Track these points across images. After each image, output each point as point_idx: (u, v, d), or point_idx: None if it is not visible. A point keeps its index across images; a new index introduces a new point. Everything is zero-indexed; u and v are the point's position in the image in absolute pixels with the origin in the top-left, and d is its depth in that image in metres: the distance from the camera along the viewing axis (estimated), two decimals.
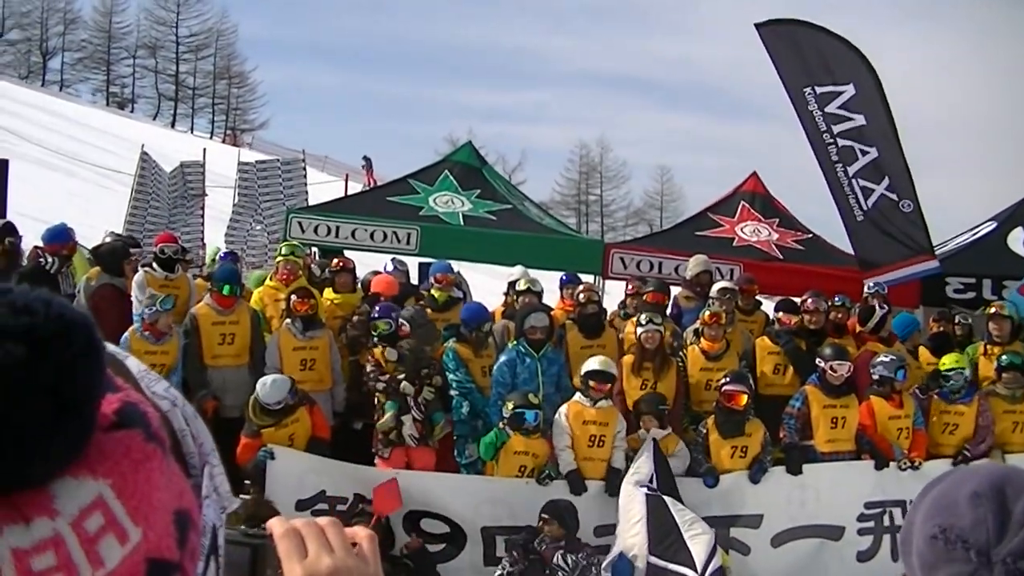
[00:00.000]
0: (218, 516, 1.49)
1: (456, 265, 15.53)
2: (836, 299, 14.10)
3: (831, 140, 15.93)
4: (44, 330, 1.21)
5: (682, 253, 16.16)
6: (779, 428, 12.03)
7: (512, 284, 14.38)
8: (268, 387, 11.28)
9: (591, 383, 11.53)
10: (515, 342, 12.42)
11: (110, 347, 1.43)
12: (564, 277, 15.35)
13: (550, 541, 10.59)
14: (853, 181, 15.86)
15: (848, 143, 15.91)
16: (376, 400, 12.00)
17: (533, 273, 15.11)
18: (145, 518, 1.27)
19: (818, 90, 16.01)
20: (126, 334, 12.34)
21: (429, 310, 13.91)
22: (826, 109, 15.95)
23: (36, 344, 1.20)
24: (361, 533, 1.62)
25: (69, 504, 1.23)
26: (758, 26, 16.49)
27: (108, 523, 1.24)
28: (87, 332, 1.25)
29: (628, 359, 12.51)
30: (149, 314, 12.34)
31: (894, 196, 15.78)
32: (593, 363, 11.71)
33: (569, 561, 10.50)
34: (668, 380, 12.38)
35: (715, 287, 13.93)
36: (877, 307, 13.66)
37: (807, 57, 16.23)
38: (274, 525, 1.56)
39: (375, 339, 12.27)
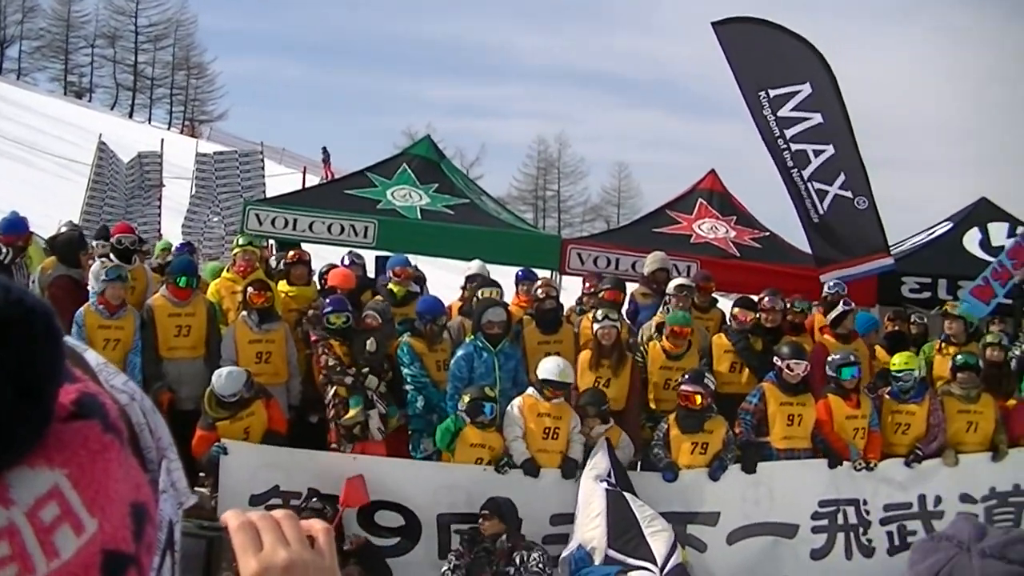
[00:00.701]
0: (175, 511, 1.49)
1: (413, 259, 15.48)
2: (795, 303, 14.15)
3: (785, 145, 16.00)
4: (3, 315, 1.19)
5: (639, 249, 16.16)
6: (735, 424, 12.05)
7: (469, 279, 14.34)
8: (224, 379, 11.23)
9: (546, 390, 11.57)
10: (472, 336, 12.39)
11: (68, 339, 1.40)
12: (520, 273, 15.28)
13: (489, 537, 10.59)
14: (808, 184, 15.93)
15: (801, 146, 15.97)
16: (332, 394, 11.89)
17: (490, 268, 15.11)
18: (101, 509, 1.25)
19: (772, 93, 16.04)
20: (80, 310, 12.26)
21: (390, 305, 13.80)
22: (779, 113, 16.00)
23: None
24: (317, 526, 1.61)
25: (25, 493, 1.20)
26: (715, 24, 16.52)
27: (64, 513, 1.22)
28: (47, 318, 1.23)
29: (585, 355, 12.51)
30: (99, 284, 12.26)
31: (848, 194, 15.83)
32: (551, 370, 11.63)
33: (520, 559, 10.48)
34: (624, 376, 12.43)
35: (672, 284, 13.91)
36: (842, 303, 13.68)
37: (763, 57, 16.29)
38: (229, 518, 1.54)
39: (325, 332, 12.22)
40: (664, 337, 12.90)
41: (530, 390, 11.70)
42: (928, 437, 12.48)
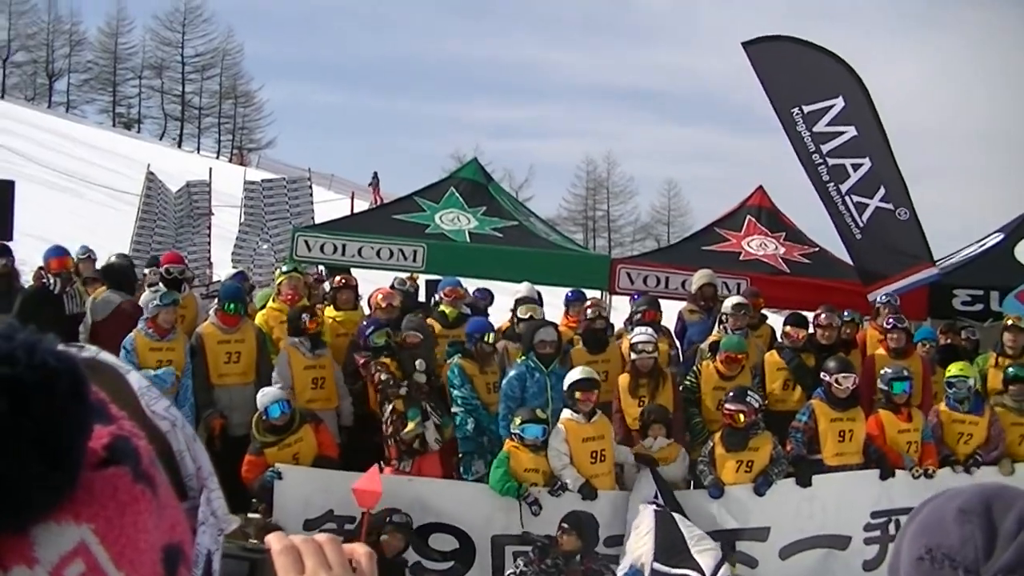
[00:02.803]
0: (214, 541, 1.47)
1: (479, 283, 15.62)
2: (846, 314, 14.16)
3: (820, 160, 15.95)
4: (26, 380, 1.16)
5: (688, 268, 16.16)
6: (786, 442, 12.05)
7: (518, 302, 14.44)
8: (264, 396, 11.46)
9: (577, 394, 11.56)
10: (524, 357, 12.44)
11: (111, 360, 1.42)
12: (570, 294, 15.49)
13: (564, 552, 10.62)
14: (847, 199, 15.86)
15: (839, 161, 15.92)
16: (390, 411, 11.93)
17: (540, 289, 15.19)
18: (130, 563, 1.24)
19: (806, 109, 16.02)
20: (130, 336, 12.40)
21: (439, 326, 13.92)
22: (814, 128, 15.98)
23: (18, 395, 1.15)
24: (360, 551, 1.60)
25: (49, 551, 1.18)
26: (745, 45, 16.53)
27: (89, 569, 1.20)
28: (72, 379, 1.20)
29: (624, 379, 12.57)
30: (151, 309, 12.42)
31: (889, 206, 15.78)
32: (575, 372, 11.79)
33: None
34: (664, 396, 12.43)
35: (728, 302, 13.87)
36: (893, 319, 13.63)
37: (794, 74, 16.27)
38: (272, 540, 1.54)
39: (371, 353, 12.31)
40: (718, 360, 12.91)
41: (566, 413, 11.63)
42: (989, 446, 12.45)
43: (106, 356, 1.44)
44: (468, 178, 19.02)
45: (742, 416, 11.70)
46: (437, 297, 14.78)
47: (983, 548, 1.88)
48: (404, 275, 16.89)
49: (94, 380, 1.27)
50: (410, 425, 11.79)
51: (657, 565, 10.70)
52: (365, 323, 12.70)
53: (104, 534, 1.21)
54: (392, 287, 15.78)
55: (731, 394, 11.94)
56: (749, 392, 12.02)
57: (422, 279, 17.08)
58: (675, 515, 11.06)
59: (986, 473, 12.26)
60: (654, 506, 11.12)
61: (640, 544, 10.94)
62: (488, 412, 12.46)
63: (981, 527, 1.90)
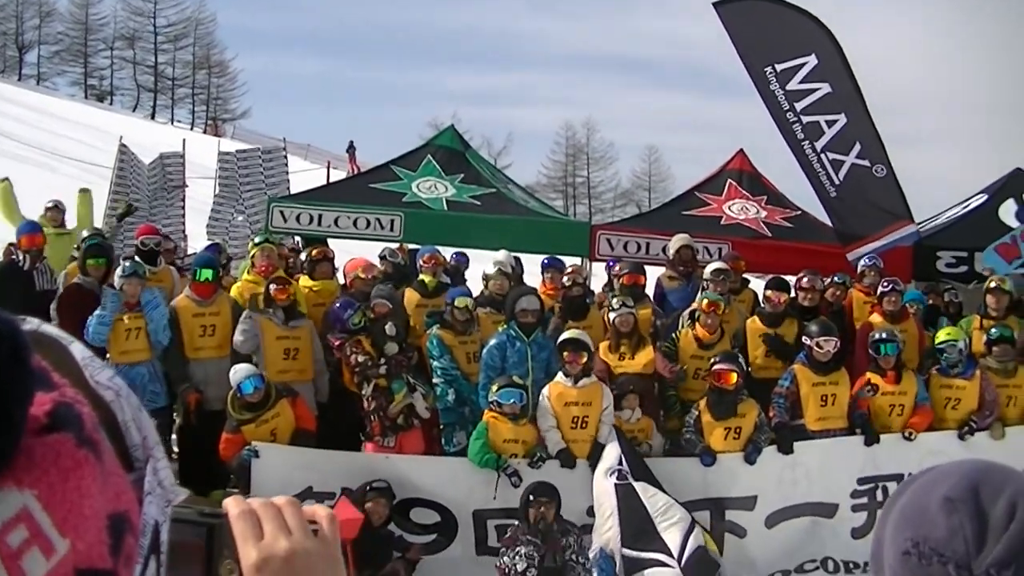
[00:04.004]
0: (161, 512, 1.43)
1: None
2: (836, 277, 14.14)
3: (795, 118, 15.94)
4: None
5: (669, 233, 16.03)
6: (769, 409, 12.02)
7: (487, 276, 14.22)
8: (236, 373, 11.40)
9: (565, 353, 11.61)
10: (504, 325, 12.42)
11: (53, 331, 1.39)
12: (545, 260, 15.44)
13: (545, 522, 10.58)
14: (822, 156, 15.85)
15: (813, 118, 15.91)
16: (371, 389, 11.81)
17: (520, 256, 15.18)
18: (74, 528, 1.21)
19: (779, 67, 15.99)
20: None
21: (418, 296, 13.92)
22: (787, 87, 15.95)
23: None
24: (321, 512, 1.56)
25: None
26: (716, 5, 16.48)
27: (33, 535, 1.18)
28: (13, 344, 1.18)
29: (603, 344, 12.55)
30: (116, 281, 12.45)
31: (865, 162, 15.77)
32: (566, 333, 11.89)
33: (578, 543, 10.66)
34: (641, 360, 12.39)
35: (708, 268, 13.84)
36: (883, 281, 13.62)
37: (766, 33, 16.25)
38: (229, 504, 1.51)
39: (345, 334, 12.16)
40: (696, 322, 12.87)
41: (558, 376, 11.71)
42: (983, 412, 12.41)
43: (49, 328, 1.40)
44: (445, 146, 18.93)
45: (734, 376, 11.65)
46: (418, 265, 14.73)
47: (973, 540, 1.77)
48: (394, 245, 16.76)
49: (37, 350, 1.24)
50: (397, 397, 11.75)
51: (626, 551, 10.71)
52: (339, 304, 12.49)
53: (47, 500, 1.19)
54: (382, 257, 15.74)
55: (720, 356, 11.93)
56: (739, 356, 12.05)
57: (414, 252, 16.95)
58: (637, 485, 11.00)
59: (980, 439, 12.25)
60: (615, 478, 11.04)
61: (606, 527, 10.95)
62: (469, 382, 12.46)
63: (969, 516, 1.79)
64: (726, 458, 11.69)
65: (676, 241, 15.00)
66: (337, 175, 30.53)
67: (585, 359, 11.63)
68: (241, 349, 12.40)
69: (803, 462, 11.86)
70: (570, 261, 15.70)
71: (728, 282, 13.76)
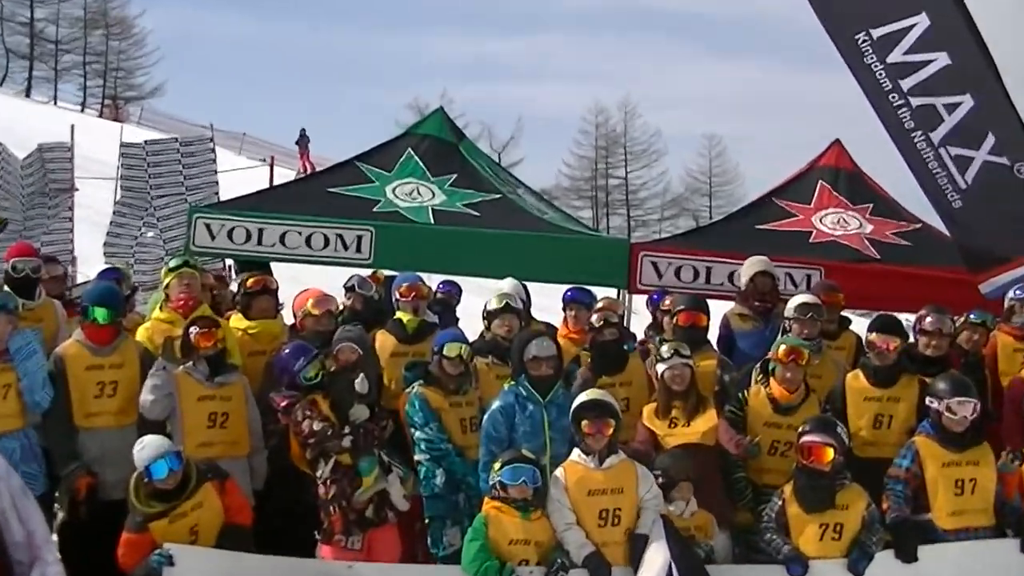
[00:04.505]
0: None
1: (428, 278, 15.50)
2: (972, 316, 14.04)
3: (900, 101, 15.53)
4: None
5: (737, 255, 16.04)
6: (882, 499, 11.80)
7: (490, 314, 13.88)
8: (144, 449, 11.03)
9: (584, 424, 11.17)
10: (512, 382, 12.25)
11: None
12: (568, 293, 15.26)
13: None
14: (941, 152, 15.45)
15: (926, 101, 15.47)
16: (330, 468, 11.74)
17: (530, 287, 15.12)
18: None
19: (875, 34, 15.62)
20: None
21: (393, 340, 13.94)
22: (888, 59, 15.55)
23: None
24: None
25: None
26: None
27: None
28: None
29: (649, 408, 12.49)
30: None
31: (1003, 160, 15.30)
32: (582, 395, 11.48)
33: None
34: (701, 427, 12.30)
35: (792, 303, 13.78)
36: None
37: None
38: None
39: (297, 391, 12.14)
40: (774, 377, 12.74)
41: (575, 455, 11.29)
42: None
43: None
44: (432, 135, 18.99)
45: (830, 452, 11.37)
46: (394, 300, 14.64)
47: None
48: (363, 272, 16.69)
49: None
50: (366, 481, 11.67)
51: None
52: (288, 351, 12.42)
53: None
54: (348, 289, 15.63)
55: (810, 424, 11.61)
56: (838, 425, 11.74)
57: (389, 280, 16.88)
58: None
59: None
60: None
61: None
62: (464, 460, 12.36)
63: None
64: (823, 566, 11.39)
65: (749, 266, 14.98)
66: (284, 175, 30.69)
67: (612, 429, 11.26)
68: (150, 415, 12.28)
69: (932, 574, 11.74)
70: (602, 293, 15.66)
71: (820, 322, 13.72)
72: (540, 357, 12.05)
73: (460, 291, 17.39)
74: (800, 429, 11.68)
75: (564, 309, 15.12)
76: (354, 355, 12.70)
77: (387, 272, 16.77)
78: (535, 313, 15.34)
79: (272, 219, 17.27)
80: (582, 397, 11.44)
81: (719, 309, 15.03)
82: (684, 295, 14.62)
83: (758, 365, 13.11)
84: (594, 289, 15.63)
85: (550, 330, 14.18)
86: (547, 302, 15.45)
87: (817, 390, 12.88)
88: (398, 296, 14.36)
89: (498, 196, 17.99)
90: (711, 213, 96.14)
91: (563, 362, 12.58)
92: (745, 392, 12.90)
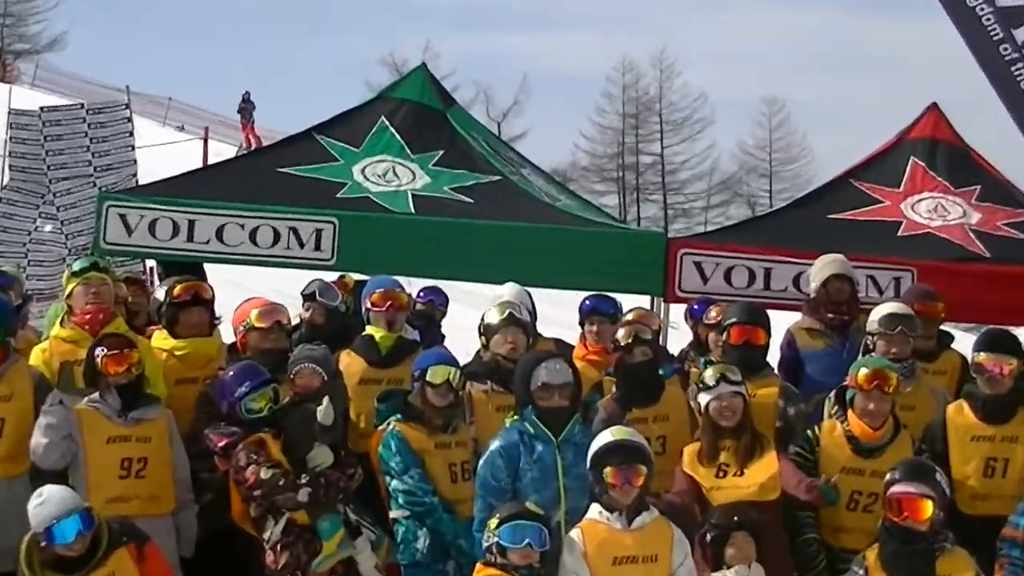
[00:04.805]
0: None
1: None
2: None
3: (1014, 55, 15.59)
4: None
5: (806, 253, 16.01)
6: (995, 569, 11.79)
7: (488, 328, 13.79)
8: (43, 505, 11.01)
9: (608, 473, 10.93)
10: (515, 416, 12.13)
11: None
12: (587, 302, 15.20)
13: None
14: None
15: None
16: (281, 529, 11.71)
17: (535, 293, 15.08)
18: None
19: None
20: None
21: (361, 363, 13.95)
22: (999, 2, 15.64)
23: None
24: None
25: None
26: None
27: None
28: None
29: (691, 449, 12.40)
30: None
31: None
32: (604, 435, 11.16)
33: None
34: (759, 474, 12.20)
35: (876, 314, 13.72)
36: None
37: None
38: None
39: (241, 428, 12.13)
40: (852, 409, 12.66)
41: (595, 511, 11.09)
42: None
43: None
44: (411, 101, 19.00)
45: (928, 506, 11.19)
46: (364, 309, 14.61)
47: None
48: (327, 276, 16.62)
49: None
50: (327, 546, 11.64)
51: None
52: (231, 374, 12.48)
53: None
54: (307, 297, 15.65)
55: (900, 470, 11.39)
56: (937, 471, 11.55)
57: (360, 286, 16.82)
58: None
59: None
60: None
61: None
62: (454, 516, 12.36)
63: None
64: None
65: (821, 267, 14.97)
66: (222, 151, 30.71)
67: (643, 478, 11.08)
68: (44, 462, 12.27)
69: None
70: (630, 302, 15.62)
71: (913, 339, 13.64)
72: (552, 384, 11.83)
73: (447, 300, 17.40)
74: (888, 477, 11.47)
75: (582, 323, 15.07)
76: (316, 380, 12.59)
77: (356, 276, 16.70)
78: (544, 328, 15.28)
79: (206, 208, 17.21)
80: (605, 437, 11.15)
81: (781, 322, 15.00)
82: (736, 304, 14.59)
83: (832, 395, 13.11)
84: (620, 297, 15.59)
85: (564, 350, 14.11)
86: (560, 314, 15.42)
87: (910, 426, 12.78)
88: (369, 306, 14.32)
89: (497, 178, 18.00)
90: (771, 199, 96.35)
91: (581, 391, 12.44)
92: (816, 429, 12.80)
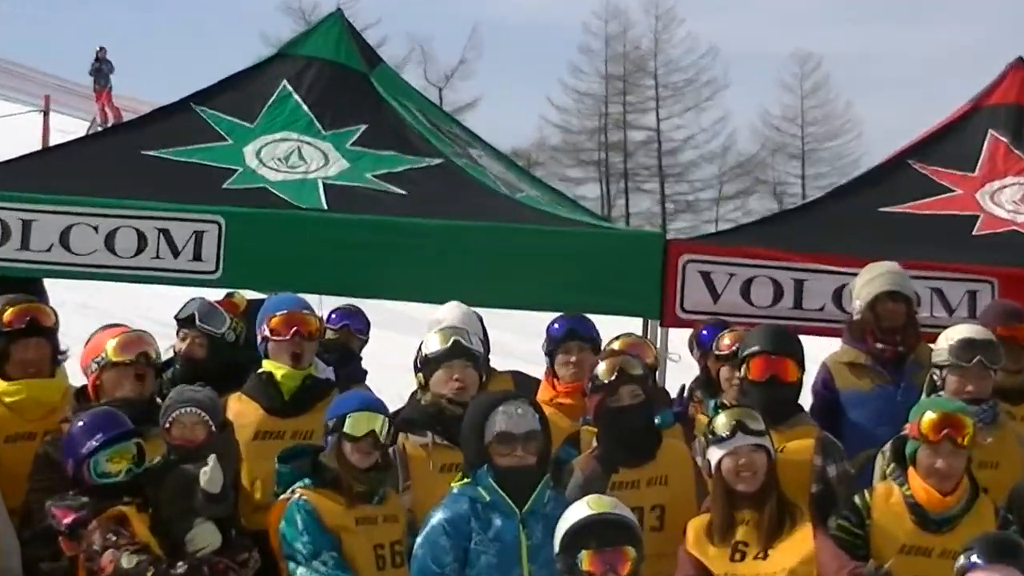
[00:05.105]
0: None
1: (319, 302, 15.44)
2: None
3: None
4: None
5: (849, 259, 15.99)
6: None
7: (427, 360, 13.75)
8: None
9: (584, 556, 10.78)
10: (464, 479, 12.13)
11: None
12: (558, 325, 15.10)
13: None
14: None
15: None
16: None
17: (485, 315, 15.03)
18: None
19: None
20: None
21: (258, 410, 13.95)
22: None
23: None
24: None
25: None
26: None
27: None
28: None
29: (698, 523, 12.31)
30: None
31: None
32: (579, 508, 11.08)
33: None
34: (786, 557, 12.14)
35: (945, 341, 13.67)
36: None
37: None
38: None
39: (98, 500, 12.04)
40: (915, 467, 12.65)
41: None
42: None
43: None
44: (323, 59, 18.96)
45: None
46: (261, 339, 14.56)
47: None
48: (213, 295, 16.54)
49: None
50: None
51: None
52: (79, 425, 12.41)
53: None
54: (183, 323, 15.60)
55: (978, 546, 11.11)
56: (1022, 543, 11.40)
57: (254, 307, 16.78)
58: None
59: None
60: None
61: None
62: None
63: None
64: None
65: (869, 280, 14.91)
66: (68, 127, 30.74)
67: (630, 565, 11.09)
68: None
69: None
70: (617, 326, 15.58)
71: (995, 372, 13.60)
72: (513, 435, 11.77)
73: (368, 325, 17.35)
74: (962, 560, 11.23)
75: (551, 353, 14.96)
76: (201, 432, 12.51)
77: (248, 294, 16.63)
78: (500, 361, 15.22)
79: (46, 204, 17.15)
80: (581, 509, 11.07)
81: (816, 352, 14.92)
82: (758, 329, 14.40)
83: (887, 449, 13.04)
84: (603, 320, 15.53)
85: (527, 388, 14.02)
86: (521, 342, 15.34)
87: (991, 489, 12.70)
88: (267, 334, 14.28)
89: (437, 162, 17.97)
90: (804, 187, 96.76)
91: (551, 444, 12.41)
92: (866, 495, 12.71)
